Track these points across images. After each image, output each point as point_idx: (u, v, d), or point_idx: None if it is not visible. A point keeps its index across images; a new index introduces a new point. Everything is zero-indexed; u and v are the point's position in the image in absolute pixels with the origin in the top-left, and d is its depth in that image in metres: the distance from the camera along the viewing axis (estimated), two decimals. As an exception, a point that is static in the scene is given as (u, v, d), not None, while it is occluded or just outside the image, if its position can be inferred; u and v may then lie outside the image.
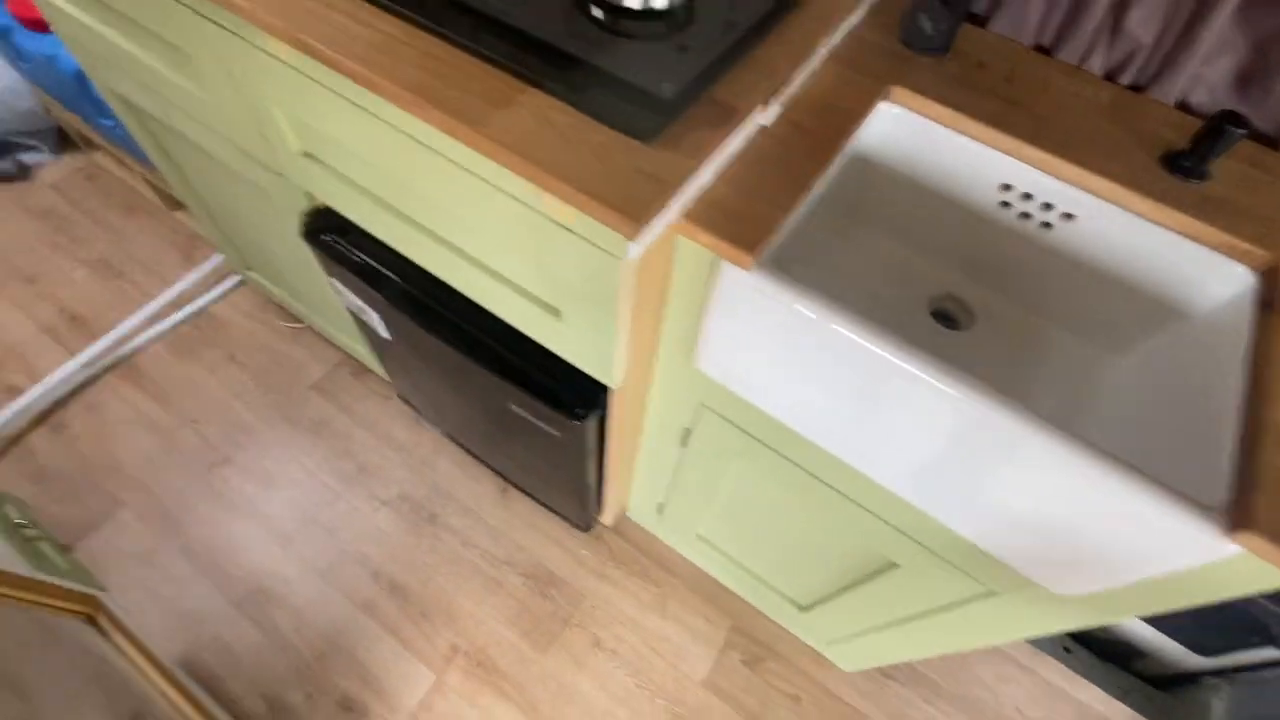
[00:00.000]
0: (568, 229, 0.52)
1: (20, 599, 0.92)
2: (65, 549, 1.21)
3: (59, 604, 0.99)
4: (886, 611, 0.91)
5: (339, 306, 1.15)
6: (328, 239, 0.88)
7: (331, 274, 0.94)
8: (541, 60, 0.53)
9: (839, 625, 1.06)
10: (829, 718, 1.18)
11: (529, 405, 0.81)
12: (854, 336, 0.52)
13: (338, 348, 1.51)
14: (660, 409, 0.87)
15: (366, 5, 0.57)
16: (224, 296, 1.58)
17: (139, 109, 1.03)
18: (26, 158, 1.76)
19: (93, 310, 1.53)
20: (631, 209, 0.46)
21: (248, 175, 0.92)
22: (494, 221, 0.58)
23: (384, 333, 0.99)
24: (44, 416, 1.38)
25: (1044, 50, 0.73)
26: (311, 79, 0.60)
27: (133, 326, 1.49)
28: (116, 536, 1.26)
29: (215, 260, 1.60)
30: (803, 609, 1.12)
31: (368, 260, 0.87)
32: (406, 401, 1.40)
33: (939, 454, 0.57)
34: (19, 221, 1.67)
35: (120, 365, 1.46)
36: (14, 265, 1.59)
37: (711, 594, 1.28)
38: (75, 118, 1.58)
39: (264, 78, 0.65)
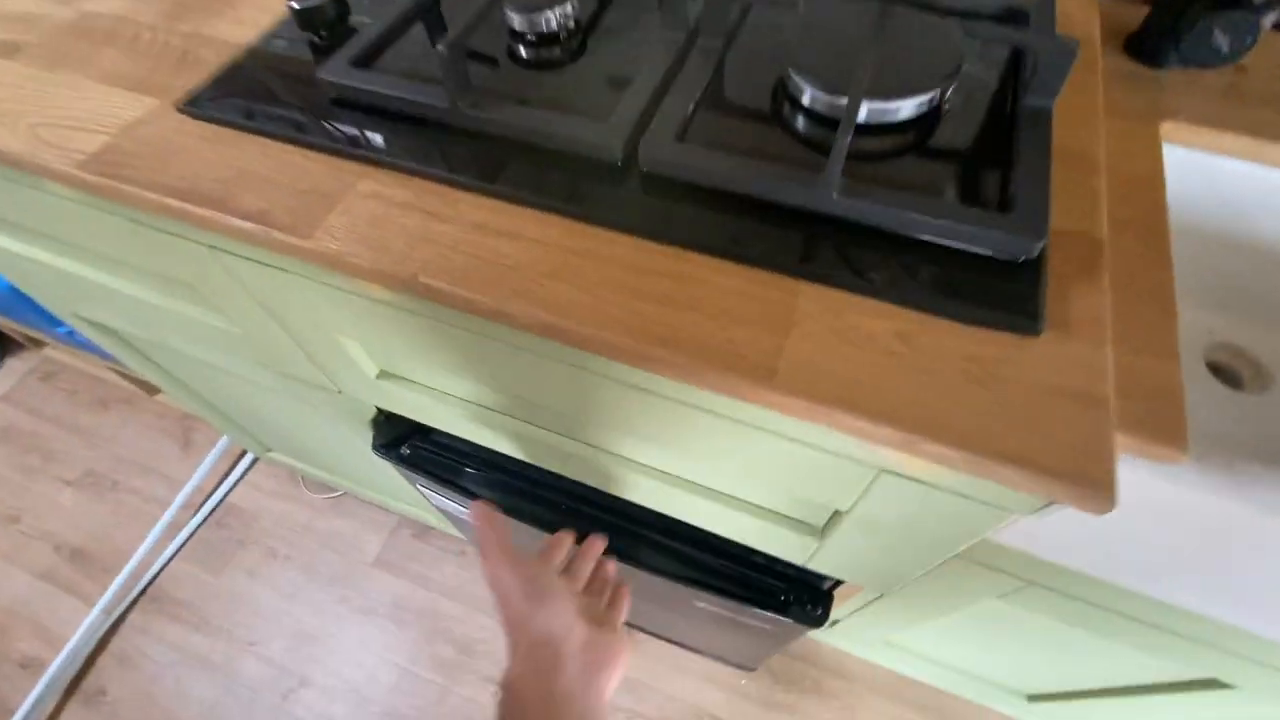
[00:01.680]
0: (917, 476, 0.34)
1: None
2: None
3: None
4: None
5: (396, 479, 0.95)
6: (412, 451, 0.69)
7: (418, 483, 0.75)
8: (796, 236, 0.35)
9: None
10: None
11: (738, 610, 0.63)
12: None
13: (386, 509, 1.30)
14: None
15: (488, 203, 0.38)
16: (241, 479, 1.36)
17: (117, 331, 0.82)
18: (-33, 374, 1.52)
19: (94, 538, 1.30)
20: (1085, 466, 0.28)
21: (282, 390, 0.72)
22: (755, 459, 0.40)
23: (492, 530, 0.80)
24: (72, 687, 1.15)
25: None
26: (436, 321, 0.41)
27: (149, 548, 1.26)
28: (200, 817, 1.04)
29: (222, 443, 1.38)
30: (1030, 699, 0.95)
31: (472, 467, 0.68)
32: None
33: None
34: (-23, 452, 1.43)
35: (144, 599, 1.23)
36: (-14, 507, 1.35)
37: (897, 690, 1.11)
38: (15, 324, 1.35)
39: (340, 314, 0.46)
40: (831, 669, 1.14)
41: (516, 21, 0.44)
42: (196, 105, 0.44)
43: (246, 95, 0.44)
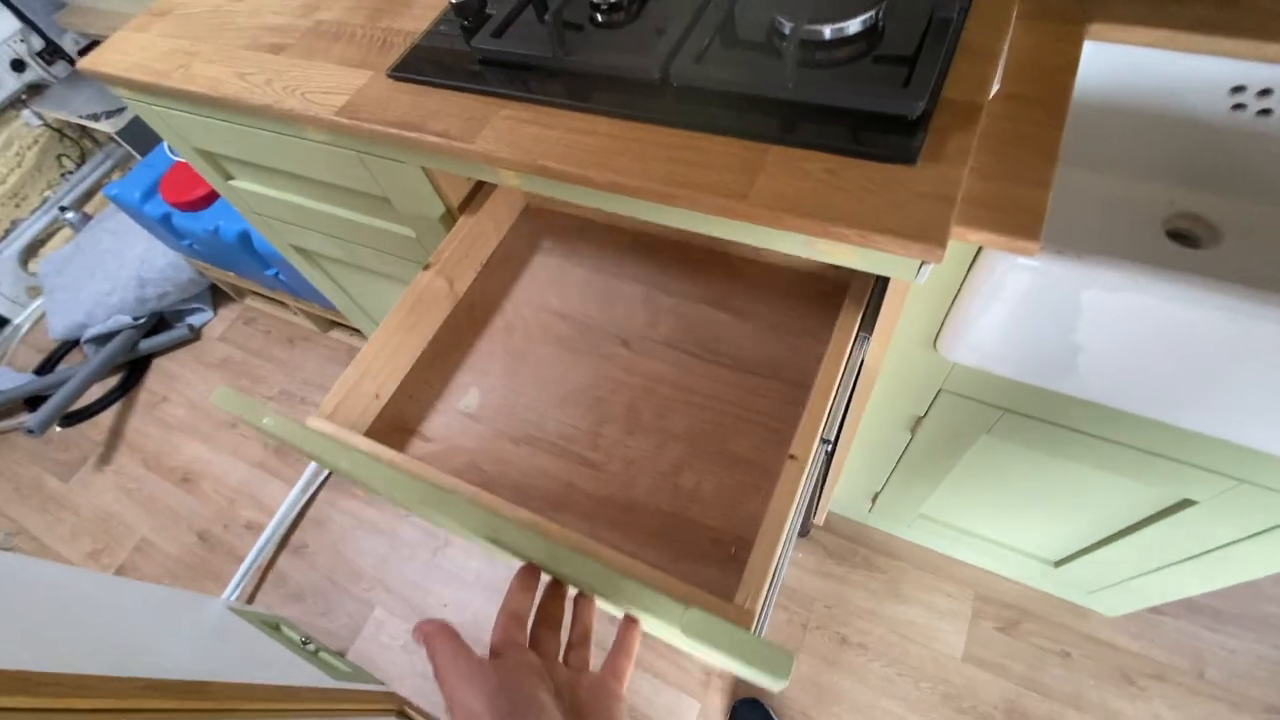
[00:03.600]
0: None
1: (345, 709, 1.03)
2: (340, 655, 1.34)
3: (373, 706, 1.10)
4: (1172, 552, 0.87)
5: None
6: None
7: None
8: (769, 117, 0.55)
9: (1103, 575, 1.02)
10: (1105, 668, 1.13)
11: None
12: (1167, 290, 0.50)
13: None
14: (885, 404, 0.86)
15: (577, 115, 0.61)
16: (393, 396, 1.71)
17: (317, 254, 1.13)
18: (194, 319, 1.97)
19: (290, 438, 1.69)
20: (929, 234, 0.46)
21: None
22: None
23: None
24: (284, 541, 1.54)
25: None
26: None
27: (330, 444, 1.63)
28: (377, 633, 1.38)
29: (378, 366, 1.73)
30: (1056, 564, 1.08)
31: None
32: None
33: (1264, 381, 0.54)
34: (205, 378, 1.87)
35: (332, 479, 1.61)
36: (216, 416, 1.79)
37: (941, 568, 1.26)
38: (230, 274, 1.76)
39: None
40: (880, 548, 1.30)
41: (593, -2, 0.66)
42: (397, 72, 0.69)
43: (427, 63, 0.69)
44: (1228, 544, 0.79)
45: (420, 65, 0.69)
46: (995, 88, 0.59)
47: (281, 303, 1.82)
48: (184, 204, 1.49)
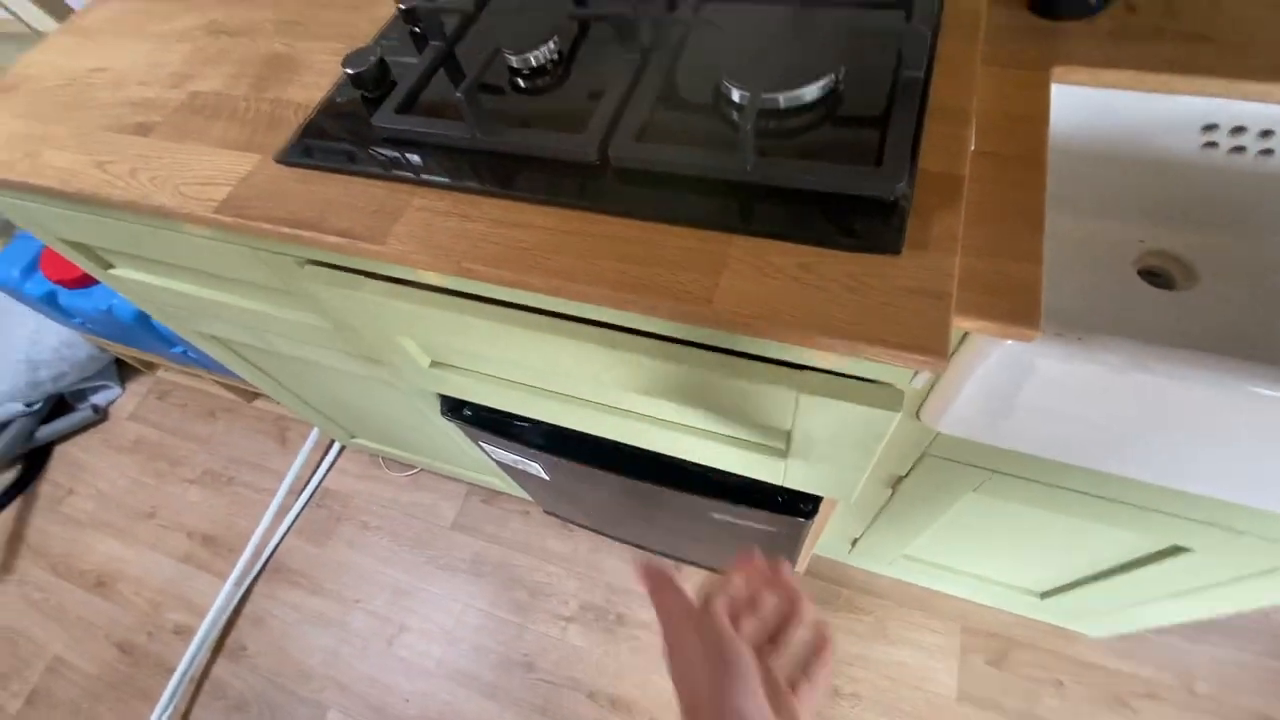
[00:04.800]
0: (826, 394, 0.46)
1: None
2: (294, 770, 1.21)
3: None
4: (1163, 590, 0.84)
5: (463, 447, 1.12)
6: (473, 413, 0.84)
7: (480, 440, 0.91)
8: (728, 201, 0.47)
9: (1091, 605, 0.99)
10: (1098, 693, 1.11)
11: (744, 514, 0.76)
12: (1170, 370, 0.46)
13: (457, 480, 1.48)
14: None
15: (505, 203, 0.52)
16: (332, 466, 1.57)
17: (227, 341, 1.01)
18: (98, 399, 1.78)
19: (219, 525, 1.54)
20: (927, 343, 0.40)
21: (364, 374, 0.89)
22: (712, 393, 0.53)
23: (543, 475, 0.95)
24: (218, 646, 1.38)
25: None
26: (463, 310, 0.55)
27: (264, 530, 1.48)
28: (334, 740, 1.25)
29: (312, 437, 1.59)
30: (1042, 596, 1.05)
31: (526, 425, 0.82)
32: (553, 514, 1.36)
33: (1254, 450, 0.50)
34: (116, 462, 1.68)
35: (266, 570, 1.46)
36: (130, 507, 1.61)
37: (926, 602, 1.22)
38: (134, 350, 1.59)
39: (397, 315, 0.61)
40: (861, 587, 1.25)
41: (513, 60, 0.57)
42: (288, 157, 0.59)
43: (323, 145, 0.59)
44: (1221, 584, 0.76)
45: (314, 147, 0.59)
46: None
47: (196, 375, 1.66)
48: (69, 281, 1.32)
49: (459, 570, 1.39)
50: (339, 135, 0.60)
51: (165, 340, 1.32)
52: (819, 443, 0.55)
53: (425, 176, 0.54)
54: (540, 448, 0.83)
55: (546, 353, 0.56)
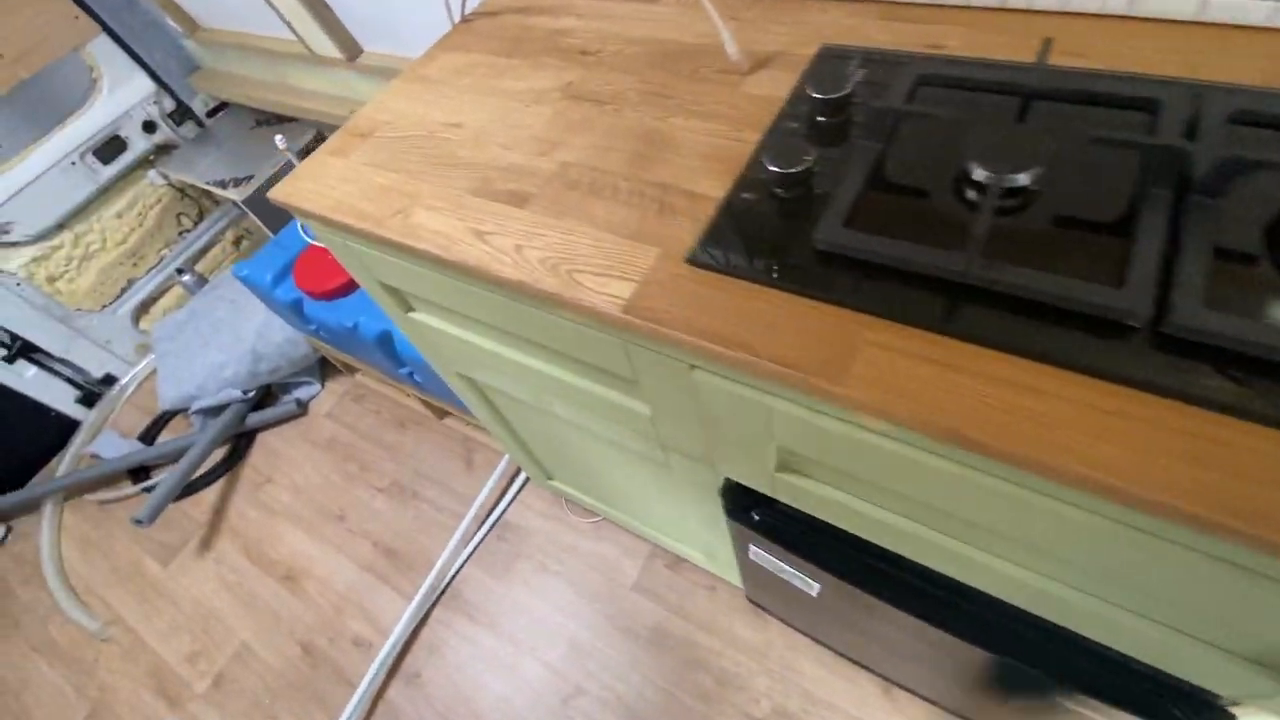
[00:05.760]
0: None
1: None
2: (462, 821, 1.17)
3: None
4: None
5: (691, 524, 1.05)
6: (762, 518, 0.77)
7: (752, 542, 0.83)
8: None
9: None
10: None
11: (1098, 708, 0.63)
12: None
13: (642, 538, 1.42)
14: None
15: (998, 357, 0.44)
16: (515, 498, 1.56)
17: (486, 387, 0.99)
18: (301, 393, 1.88)
19: (401, 540, 1.56)
20: None
21: (638, 450, 0.83)
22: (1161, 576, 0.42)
23: (810, 593, 0.86)
24: (395, 667, 1.39)
25: None
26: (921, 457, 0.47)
27: (448, 555, 1.48)
28: (501, 796, 1.21)
29: (501, 465, 1.59)
30: None
31: (818, 538, 0.74)
32: (757, 603, 1.27)
33: None
34: (312, 457, 1.76)
35: (445, 597, 1.46)
36: (322, 505, 1.67)
37: None
38: (346, 356, 1.65)
39: (805, 431, 0.54)
40: None
41: (984, 176, 0.49)
42: (700, 258, 0.54)
43: (735, 246, 0.54)
44: None
45: (728, 250, 0.54)
46: None
47: (393, 384, 1.71)
48: (320, 293, 1.39)
49: (639, 636, 1.32)
50: (758, 240, 0.54)
51: (398, 362, 1.35)
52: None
53: (883, 306, 0.47)
54: (836, 572, 0.74)
55: (970, 501, 0.47)
